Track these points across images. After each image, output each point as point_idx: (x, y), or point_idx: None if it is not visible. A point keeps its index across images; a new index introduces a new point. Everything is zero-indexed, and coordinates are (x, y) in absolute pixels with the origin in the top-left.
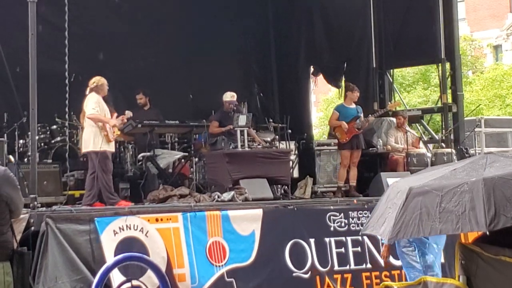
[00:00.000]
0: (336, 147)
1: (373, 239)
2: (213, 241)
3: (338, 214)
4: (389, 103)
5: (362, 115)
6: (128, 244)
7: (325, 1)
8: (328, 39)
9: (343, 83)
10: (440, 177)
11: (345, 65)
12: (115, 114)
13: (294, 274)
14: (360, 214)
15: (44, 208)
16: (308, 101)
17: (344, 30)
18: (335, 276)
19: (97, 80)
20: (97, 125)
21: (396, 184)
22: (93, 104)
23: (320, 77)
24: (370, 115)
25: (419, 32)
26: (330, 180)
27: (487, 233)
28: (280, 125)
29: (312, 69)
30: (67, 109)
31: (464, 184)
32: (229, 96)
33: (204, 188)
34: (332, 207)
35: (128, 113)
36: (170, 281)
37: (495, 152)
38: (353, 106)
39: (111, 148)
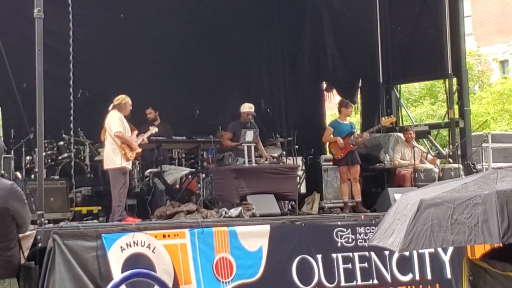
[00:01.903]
0: None
1: (380, 255)
2: (220, 257)
3: (345, 229)
4: (383, 118)
5: (355, 130)
6: (135, 261)
7: (336, 16)
8: (341, 55)
9: (359, 99)
10: (451, 190)
11: (360, 81)
12: (136, 132)
13: None
14: (368, 229)
15: (51, 225)
16: (320, 116)
17: (355, 46)
18: None
19: (122, 98)
20: (116, 142)
21: (405, 197)
22: (117, 121)
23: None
24: (365, 132)
25: (426, 47)
26: (337, 196)
27: (501, 244)
28: (287, 139)
29: (325, 85)
30: (71, 126)
31: (477, 197)
32: (247, 107)
33: (211, 204)
34: (339, 223)
35: (153, 129)
36: None
37: (505, 168)
38: (347, 122)
39: (129, 165)
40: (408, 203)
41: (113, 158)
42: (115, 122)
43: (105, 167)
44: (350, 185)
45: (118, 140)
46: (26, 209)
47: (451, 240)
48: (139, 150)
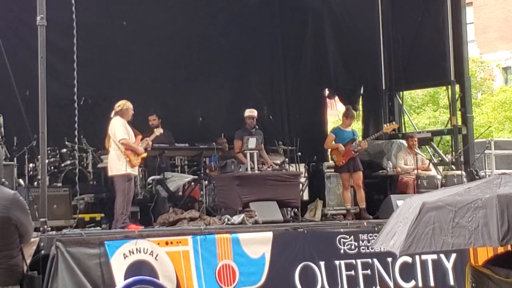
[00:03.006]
0: None
1: (383, 262)
2: (223, 264)
3: (348, 236)
4: (385, 125)
5: (357, 138)
6: (138, 268)
7: (337, 24)
8: (343, 61)
9: (360, 106)
10: (454, 194)
11: (362, 88)
12: (140, 136)
13: None
14: (370, 236)
15: (54, 232)
16: (322, 122)
17: (357, 53)
18: None
19: (123, 104)
20: (121, 149)
21: (408, 200)
22: (122, 128)
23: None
24: (366, 138)
25: (428, 54)
26: (340, 203)
27: (500, 247)
28: (289, 147)
29: (327, 92)
30: (76, 133)
31: (478, 200)
32: (248, 112)
33: (214, 211)
34: (342, 230)
35: (158, 131)
36: None
37: (510, 173)
38: (349, 129)
39: (134, 171)
40: (410, 206)
41: (118, 164)
42: (119, 129)
43: (110, 173)
44: (353, 192)
45: (122, 147)
46: (29, 219)
47: (451, 243)
48: (145, 154)
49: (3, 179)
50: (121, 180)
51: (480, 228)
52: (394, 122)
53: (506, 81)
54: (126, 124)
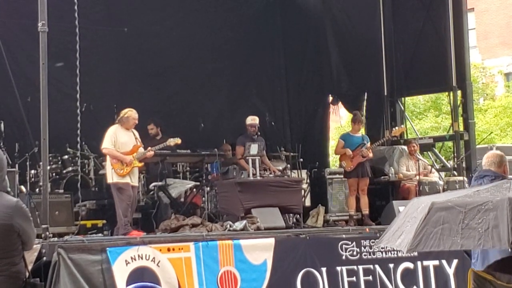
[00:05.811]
0: None
1: (385, 268)
2: (225, 270)
3: (350, 242)
4: (393, 129)
5: (368, 143)
6: (140, 274)
7: (339, 30)
8: (345, 68)
9: (364, 112)
10: (463, 195)
11: (366, 93)
12: (139, 146)
13: None
14: (372, 242)
15: (56, 238)
16: (325, 129)
17: (359, 59)
18: None
19: (124, 112)
20: (108, 158)
21: (416, 200)
22: (108, 137)
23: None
24: (375, 143)
25: (430, 60)
26: (342, 209)
27: (509, 249)
28: (291, 154)
29: (330, 98)
30: (78, 139)
31: (489, 202)
32: (250, 120)
33: (216, 217)
34: (344, 236)
35: (174, 140)
36: None
37: None
38: (359, 135)
39: (126, 180)
40: (419, 206)
41: (108, 173)
42: (106, 137)
43: (108, 181)
44: (356, 197)
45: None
46: (31, 226)
47: (460, 244)
48: (140, 164)
49: (8, 189)
50: (112, 188)
51: (490, 230)
52: (402, 125)
53: (508, 86)
54: (119, 132)
